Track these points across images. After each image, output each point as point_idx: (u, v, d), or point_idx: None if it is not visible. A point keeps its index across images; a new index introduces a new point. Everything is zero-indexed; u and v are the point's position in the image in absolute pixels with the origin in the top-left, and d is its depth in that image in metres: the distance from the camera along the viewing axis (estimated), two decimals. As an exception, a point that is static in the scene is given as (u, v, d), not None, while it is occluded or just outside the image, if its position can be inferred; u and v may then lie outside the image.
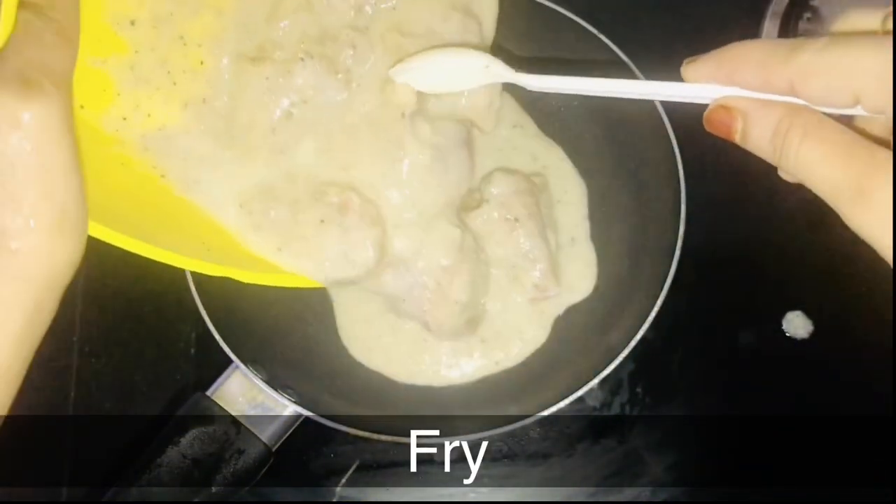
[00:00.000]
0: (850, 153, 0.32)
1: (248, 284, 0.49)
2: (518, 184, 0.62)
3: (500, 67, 0.47)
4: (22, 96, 0.31)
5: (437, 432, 0.60)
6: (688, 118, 0.62)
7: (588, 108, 0.68)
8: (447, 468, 0.66)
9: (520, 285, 0.62)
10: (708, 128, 0.38)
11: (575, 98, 0.67)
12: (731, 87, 0.36)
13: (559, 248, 0.64)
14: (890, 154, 0.31)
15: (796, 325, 0.68)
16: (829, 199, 0.33)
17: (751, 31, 0.74)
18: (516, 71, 0.47)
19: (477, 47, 0.50)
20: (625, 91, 0.42)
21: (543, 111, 0.68)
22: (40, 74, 0.32)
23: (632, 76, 0.61)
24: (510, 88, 0.49)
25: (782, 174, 0.38)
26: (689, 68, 0.37)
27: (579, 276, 0.64)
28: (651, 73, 0.61)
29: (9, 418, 0.67)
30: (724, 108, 0.37)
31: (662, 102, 0.60)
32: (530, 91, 0.46)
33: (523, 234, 0.61)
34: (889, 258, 0.31)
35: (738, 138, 0.37)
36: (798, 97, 0.34)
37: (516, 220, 0.61)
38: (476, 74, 0.48)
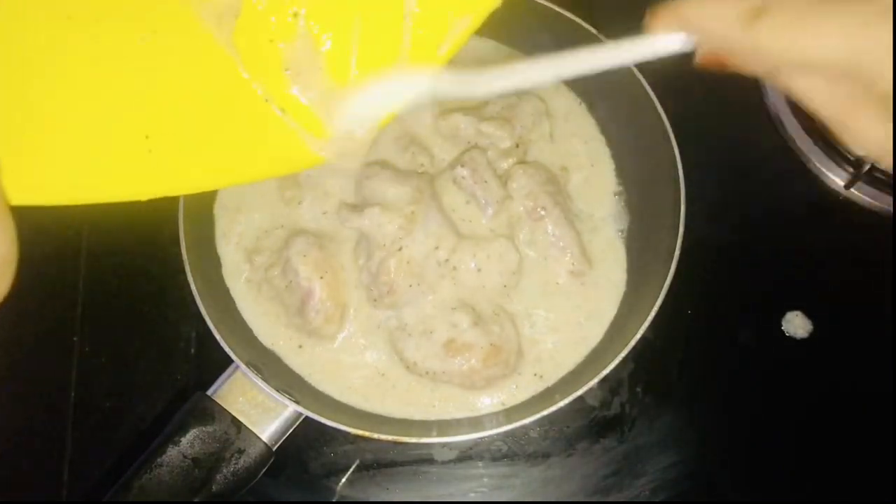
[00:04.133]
0: None
1: None
2: (539, 175, 0.63)
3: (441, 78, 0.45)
4: None
5: (436, 432, 0.60)
6: (688, 118, 0.62)
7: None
8: (447, 468, 0.66)
9: (553, 275, 0.63)
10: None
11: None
12: (695, 36, 0.36)
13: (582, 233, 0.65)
14: None
15: (796, 325, 0.68)
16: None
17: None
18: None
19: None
20: (596, 62, 0.40)
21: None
22: None
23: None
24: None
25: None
26: (653, 23, 0.37)
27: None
28: (652, 77, 0.61)
29: (9, 419, 0.68)
30: (707, 57, 0.37)
31: (664, 104, 0.60)
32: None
33: (550, 223, 0.62)
34: None
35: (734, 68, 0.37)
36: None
37: (543, 208, 0.62)
38: (405, 93, 0.46)
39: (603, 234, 0.65)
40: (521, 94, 0.66)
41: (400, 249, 0.59)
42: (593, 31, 0.62)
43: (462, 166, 0.62)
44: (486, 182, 0.61)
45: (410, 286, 0.59)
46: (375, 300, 0.60)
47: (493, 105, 0.66)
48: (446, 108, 0.65)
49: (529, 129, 0.65)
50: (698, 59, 0.37)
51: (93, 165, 0.42)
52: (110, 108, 0.42)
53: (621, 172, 0.67)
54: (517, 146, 0.64)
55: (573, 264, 0.62)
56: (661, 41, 0.37)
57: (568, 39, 0.63)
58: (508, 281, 0.61)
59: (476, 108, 0.66)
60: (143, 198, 0.43)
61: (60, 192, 0.42)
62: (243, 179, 0.51)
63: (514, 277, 0.61)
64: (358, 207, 0.61)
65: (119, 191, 0.43)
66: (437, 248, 0.60)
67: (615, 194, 0.66)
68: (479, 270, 0.60)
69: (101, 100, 0.42)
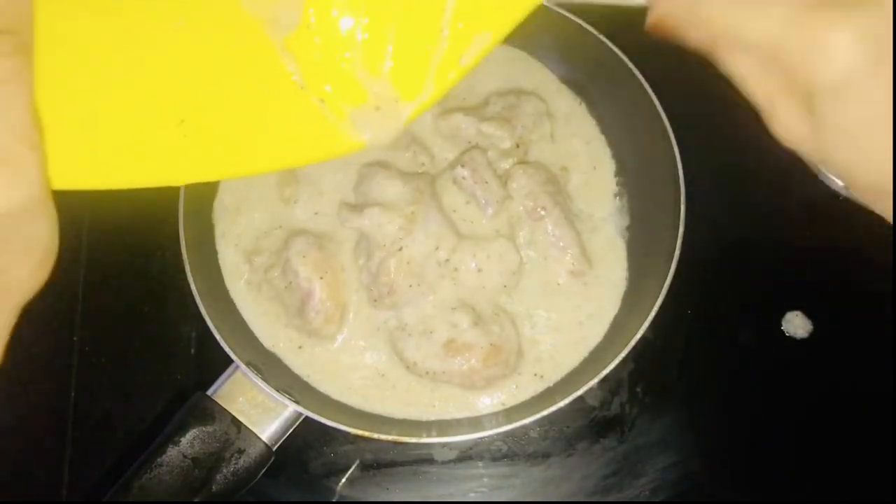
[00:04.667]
0: None
1: None
2: (538, 175, 0.63)
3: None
4: None
5: (436, 432, 0.60)
6: (688, 118, 0.62)
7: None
8: (447, 468, 0.66)
9: (554, 275, 0.63)
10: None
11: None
12: None
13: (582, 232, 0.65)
14: None
15: (796, 325, 0.68)
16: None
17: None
18: None
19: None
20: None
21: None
22: None
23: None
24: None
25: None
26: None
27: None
28: (651, 76, 0.61)
29: (9, 418, 0.68)
30: (656, 21, 0.37)
31: (664, 104, 0.60)
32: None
33: (550, 223, 0.62)
34: None
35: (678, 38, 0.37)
36: None
37: (543, 208, 0.62)
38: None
39: (603, 234, 0.65)
40: (521, 95, 0.66)
41: (400, 249, 0.59)
42: (593, 30, 0.62)
43: (462, 166, 0.62)
44: (486, 182, 0.61)
45: (410, 286, 0.59)
46: (375, 300, 0.60)
47: (493, 105, 0.66)
48: (447, 108, 0.65)
49: (530, 130, 0.65)
50: (648, 23, 0.37)
51: (130, 150, 0.43)
52: (147, 93, 0.42)
53: (622, 172, 0.67)
54: (517, 146, 0.64)
55: (573, 264, 0.62)
56: None
57: (567, 39, 0.64)
58: (508, 281, 0.61)
59: (476, 108, 0.66)
60: (179, 183, 0.44)
61: (100, 177, 0.42)
62: (278, 165, 0.51)
63: (515, 277, 0.61)
64: (358, 207, 0.61)
65: (155, 175, 0.44)
66: (437, 248, 0.60)
67: (615, 194, 0.66)
68: (479, 271, 0.60)
69: (137, 84, 0.42)
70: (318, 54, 0.43)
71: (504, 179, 0.63)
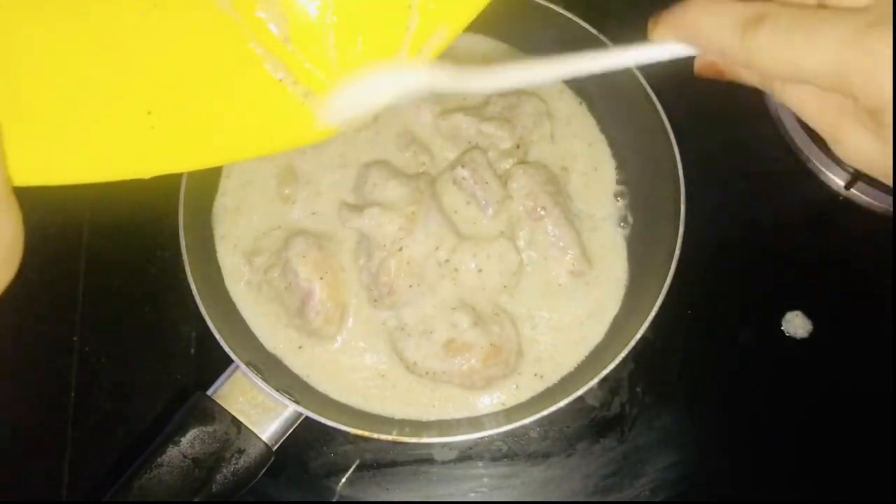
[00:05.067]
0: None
1: None
2: (538, 175, 0.63)
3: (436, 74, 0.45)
4: None
5: (436, 432, 0.60)
6: (688, 118, 0.62)
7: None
8: (447, 468, 0.66)
9: (554, 275, 0.63)
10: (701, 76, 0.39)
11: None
12: (693, 46, 0.37)
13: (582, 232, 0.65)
14: None
15: (796, 325, 0.68)
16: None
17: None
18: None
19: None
20: (595, 65, 0.40)
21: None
22: None
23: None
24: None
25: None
26: (653, 29, 0.37)
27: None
28: (653, 75, 0.61)
29: (9, 418, 0.68)
30: (705, 65, 0.38)
31: (664, 104, 0.61)
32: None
33: (550, 223, 0.62)
34: None
35: (731, 77, 0.38)
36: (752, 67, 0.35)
37: (543, 208, 0.62)
38: (410, 85, 0.46)
39: (603, 234, 0.65)
40: (521, 95, 0.66)
41: (400, 250, 0.59)
42: (594, 31, 0.62)
43: (462, 167, 0.62)
44: (486, 182, 0.61)
45: (410, 286, 0.59)
46: (376, 300, 0.60)
47: (493, 105, 0.66)
48: (447, 108, 0.65)
49: (530, 130, 0.65)
50: (697, 68, 0.38)
51: (94, 144, 0.42)
52: (110, 84, 0.41)
53: (622, 172, 0.67)
54: (518, 147, 0.64)
55: (573, 264, 0.62)
56: (661, 48, 0.38)
57: (569, 39, 0.64)
58: (509, 281, 0.61)
59: (477, 108, 0.66)
60: (147, 175, 0.43)
61: (63, 172, 0.42)
62: (248, 154, 0.50)
63: (515, 278, 0.61)
64: (358, 207, 0.61)
65: (121, 168, 0.43)
66: (437, 248, 0.60)
67: (615, 194, 0.66)
68: (479, 271, 0.60)
69: (101, 76, 0.41)
70: (289, 42, 0.43)
71: (504, 179, 0.63)
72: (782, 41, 0.32)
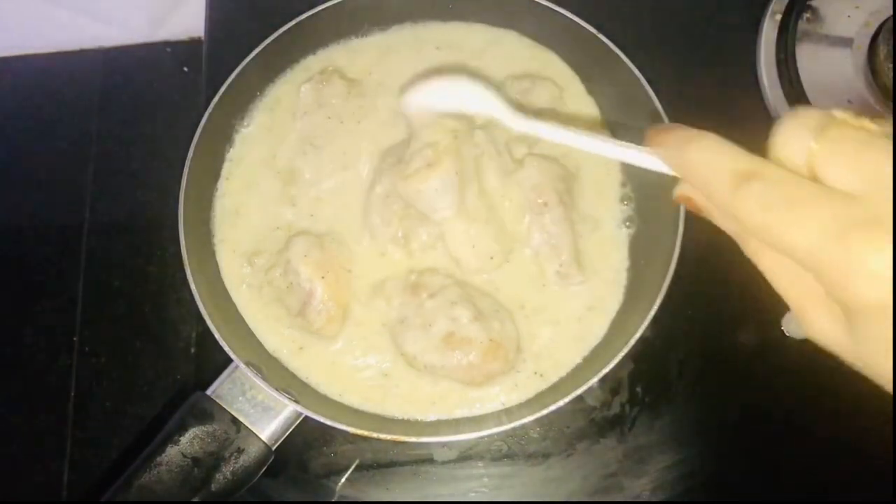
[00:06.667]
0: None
1: None
2: (551, 171, 0.63)
3: (499, 103, 0.52)
4: None
5: (436, 432, 0.60)
6: (688, 118, 0.62)
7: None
8: (447, 468, 0.66)
9: (542, 275, 0.62)
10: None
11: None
12: (684, 178, 0.37)
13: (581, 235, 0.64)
14: None
15: (796, 325, 0.68)
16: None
17: (750, 31, 0.74)
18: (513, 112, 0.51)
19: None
20: (601, 149, 0.43)
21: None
22: None
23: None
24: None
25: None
26: (653, 140, 0.38)
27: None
28: (653, 75, 0.61)
29: (9, 418, 0.68)
30: (685, 196, 0.38)
31: (664, 104, 0.61)
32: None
33: (550, 219, 0.62)
34: None
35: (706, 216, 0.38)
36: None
37: (545, 204, 0.61)
38: (476, 104, 0.53)
39: (605, 234, 0.65)
40: (535, 79, 0.66)
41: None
42: (594, 31, 0.63)
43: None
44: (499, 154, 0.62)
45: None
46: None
47: (508, 89, 0.65)
48: None
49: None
50: (676, 196, 0.38)
51: None
52: None
53: (625, 172, 0.67)
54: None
55: (561, 266, 0.62)
56: (652, 160, 0.38)
57: (576, 40, 0.64)
58: (485, 265, 0.61)
59: None
60: None
61: None
62: None
63: (492, 263, 0.61)
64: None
65: None
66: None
67: (619, 195, 0.66)
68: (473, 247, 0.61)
69: None
70: None
71: (515, 166, 0.63)
72: (768, 207, 0.31)
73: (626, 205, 0.66)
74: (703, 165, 0.34)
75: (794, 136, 0.32)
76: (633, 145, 0.41)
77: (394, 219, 0.61)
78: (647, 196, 0.65)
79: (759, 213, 0.31)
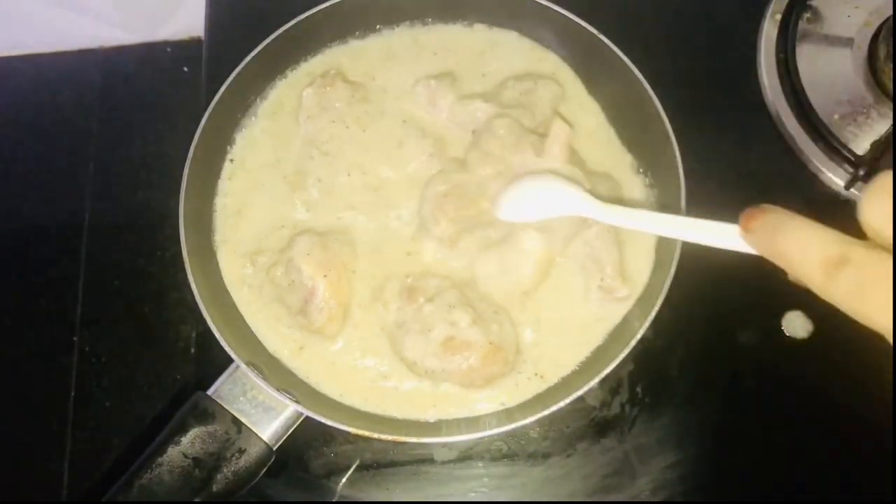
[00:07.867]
0: None
1: None
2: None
3: (588, 201, 0.55)
4: None
5: (436, 432, 0.60)
6: (688, 118, 0.62)
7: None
8: (447, 468, 0.66)
9: (585, 288, 0.62)
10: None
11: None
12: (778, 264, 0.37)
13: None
14: None
15: (796, 325, 0.68)
16: None
17: (750, 31, 0.74)
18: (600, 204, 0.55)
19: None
20: (695, 237, 0.47)
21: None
22: None
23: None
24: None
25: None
26: (744, 225, 0.39)
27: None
28: (654, 75, 0.61)
29: (9, 418, 0.68)
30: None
31: (664, 104, 0.61)
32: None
33: (594, 233, 0.61)
34: None
35: None
36: None
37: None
38: (566, 205, 0.56)
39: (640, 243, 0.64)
40: (538, 79, 0.66)
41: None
42: (596, 33, 0.63)
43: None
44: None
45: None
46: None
47: (510, 90, 0.65)
48: (464, 94, 0.65)
49: (549, 118, 0.65)
50: (791, 278, 0.38)
51: None
52: None
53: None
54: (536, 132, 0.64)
55: (604, 280, 0.61)
56: (743, 244, 0.40)
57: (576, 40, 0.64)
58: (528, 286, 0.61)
59: (494, 94, 0.66)
60: None
61: None
62: None
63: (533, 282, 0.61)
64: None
65: None
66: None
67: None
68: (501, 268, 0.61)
69: None
70: None
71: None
72: (859, 293, 0.32)
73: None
74: (793, 254, 0.35)
75: (878, 204, 0.32)
76: (723, 228, 0.43)
77: (443, 219, 0.61)
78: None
79: (851, 301, 0.33)
